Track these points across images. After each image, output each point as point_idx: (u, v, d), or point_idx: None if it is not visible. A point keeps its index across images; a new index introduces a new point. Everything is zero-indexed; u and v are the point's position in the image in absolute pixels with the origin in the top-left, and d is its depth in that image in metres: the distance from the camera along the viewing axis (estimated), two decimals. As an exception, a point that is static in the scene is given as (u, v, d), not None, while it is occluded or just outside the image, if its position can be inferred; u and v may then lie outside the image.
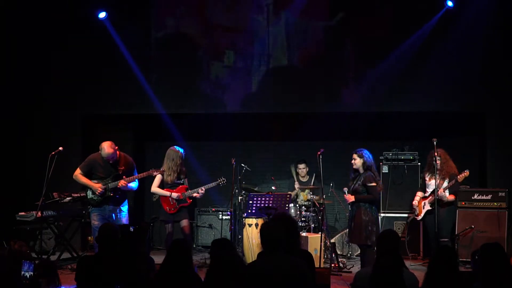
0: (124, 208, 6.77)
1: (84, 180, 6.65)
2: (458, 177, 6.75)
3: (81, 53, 8.56)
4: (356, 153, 6.46)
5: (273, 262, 3.78)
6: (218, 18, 9.13)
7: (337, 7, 8.64)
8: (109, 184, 6.58)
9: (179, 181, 7.07)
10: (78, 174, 6.68)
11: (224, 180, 7.25)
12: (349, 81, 8.66)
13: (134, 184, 6.81)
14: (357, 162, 6.45)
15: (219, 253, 3.82)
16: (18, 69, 8.56)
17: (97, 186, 6.55)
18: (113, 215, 6.65)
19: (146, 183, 7.64)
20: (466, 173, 6.79)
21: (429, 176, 7.10)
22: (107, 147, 6.54)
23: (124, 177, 6.64)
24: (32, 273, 4.26)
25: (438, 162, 6.82)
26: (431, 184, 6.97)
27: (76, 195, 7.56)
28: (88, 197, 6.68)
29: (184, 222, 7.00)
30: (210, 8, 9.11)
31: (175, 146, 7.12)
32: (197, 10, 9.16)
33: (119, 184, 6.56)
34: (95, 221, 6.62)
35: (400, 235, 8.10)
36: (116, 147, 6.64)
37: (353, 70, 8.62)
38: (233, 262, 3.05)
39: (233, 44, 9.12)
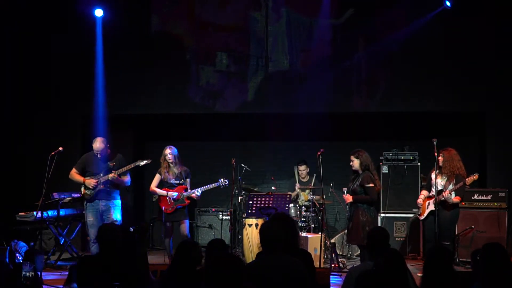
0: (117, 202, 6.99)
1: (77, 177, 6.94)
2: (466, 180, 6.65)
3: (81, 53, 8.56)
4: (353, 155, 6.46)
5: (272, 262, 3.78)
6: (209, 15, 8.47)
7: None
8: (100, 179, 6.84)
9: (177, 181, 7.07)
10: (73, 172, 6.98)
11: (226, 182, 7.23)
12: (354, 83, 8.48)
13: (126, 178, 7.02)
14: (355, 163, 6.45)
15: (215, 253, 3.83)
16: (18, 69, 8.56)
17: (90, 181, 6.83)
18: (106, 209, 6.88)
19: (146, 183, 7.65)
20: (475, 176, 6.67)
21: (436, 173, 6.98)
22: (99, 142, 6.91)
23: (113, 171, 6.86)
24: (32, 273, 4.25)
25: (441, 158, 6.76)
26: (438, 183, 6.85)
27: (76, 195, 7.57)
28: (82, 193, 6.94)
29: (182, 223, 7.01)
30: (200, 4, 8.50)
31: (169, 146, 7.15)
32: (185, 6, 8.56)
33: (110, 176, 6.80)
34: (90, 217, 6.86)
35: (400, 235, 8.12)
36: (108, 145, 6.96)
37: (360, 73, 8.43)
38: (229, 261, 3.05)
39: (226, 45, 8.54)
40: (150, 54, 8.71)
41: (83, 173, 6.95)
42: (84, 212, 7.02)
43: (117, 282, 3.96)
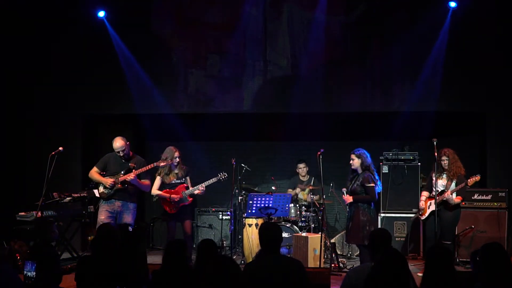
0: (133, 205, 6.91)
1: (97, 176, 6.88)
2: (469, 181, 6.66)
3: (81, 53, 8.56)
4: (353, 153, 6.46)
5: (272, 262, 3.79)
6: (199, 12, 7.63)
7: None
8: (119, 178, 6.78)
9: (178, 181, 7.07)
10: (93, 171, 6.92)
11: (225, 175, 7.24)
12: (355, 83, 8.38)
13: (146, 182, 6.95)
14: (355, 162, 6.46)
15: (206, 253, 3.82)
16: (18, 69, 8.56)
17: (107, 179, 6.78)
18: (121, 211, 6.82)
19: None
20: (477, 177, 6.67)
21: (436, 175, 7.00)
22: (119, 140, 6.82)
23: (133, 171, 6.81)
24: (34, 273, 4.22)
25: (445, 162, 6.77)
26: (438, 184, 6.86)
27: (76, 195, 7.56)
28: (100, 192, 6.88)
29: (186, 223, 7.02)
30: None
31: (173, 146, 7.13)
32: (170, 1, 7.90)
33: (128, 178, 6.73)
34: (102, 216, 6.77)
35: (400, 235, 8.11)
36: (128, 142, 6.89)
37: (361, 72, 8.32)
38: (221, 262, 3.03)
39: (219, 46, 7.90)
40: (149, 54, 8.69)
41: (103, 172, 6.92)
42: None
43: (116, 282, 3.96)
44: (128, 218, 6.80)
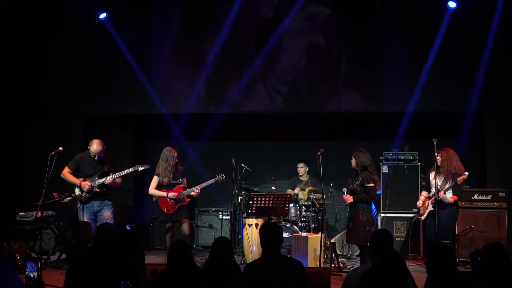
0: (109, 202, 6.99)
1: (71, 178, 6.90)
2: (458, 179, 6.67)
3: (81, 53, 8.56)
4: (353, 153, 6.50)
5: (272, 262, 3.79)
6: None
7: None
8: (96, 181, 6.81)
9: (176, 181, 7.06)
10: (66, 172, 6.92)
11: (223, 177, 7.22)
12: (354, 83, 8.43)
13: (120, 180, 7.03)
14: (352, 162, 6.51)
15: (219, 252, 3.82)
16: (19, 69, 8.56)
17: (85, 183, 6.79)
18: (100, 209, 6.91)
19: (146, 183, 7.65)
20: (465, 175, 6.68)
21: (433, 175, 6.98)
22: (96, 144, 6.85)
23: (111, 173, 6.84)
24: (36, 273, 4.22)
25: (439, 158, 6.77)
26: (436, 183, 6.84)
27: (76, 195, 7.56)
28: (76, 194, 6.91)
29: (184, 222, 7.01)
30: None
31: (169, 147, 7.12)
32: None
33: (106, 181, 6.80)
34: (85, 219, 6.81)
35: (400, 235, 8.11)
36: (104, 147, 6.91)
37: (361, 73, 8.37)
38: (230, 263, 3.04)
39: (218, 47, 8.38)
40: (149, 54, 8.68)
41: (75, 173, 6.92)
42: (78, 213, 7.00)
43: (115, 280, 3.96)
44: (107, 213, 6.89)
